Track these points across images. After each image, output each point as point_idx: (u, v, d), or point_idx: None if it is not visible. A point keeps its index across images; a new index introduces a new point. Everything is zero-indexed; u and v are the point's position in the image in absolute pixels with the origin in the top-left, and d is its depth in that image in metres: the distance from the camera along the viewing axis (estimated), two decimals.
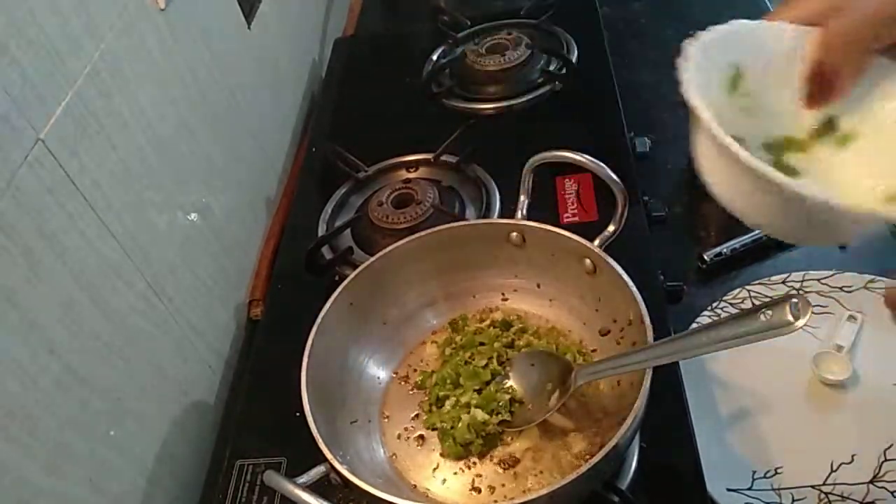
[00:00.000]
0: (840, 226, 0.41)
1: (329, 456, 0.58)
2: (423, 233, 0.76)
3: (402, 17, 1.55)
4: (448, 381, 0.71)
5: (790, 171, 0.47)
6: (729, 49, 0.49)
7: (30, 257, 0.58)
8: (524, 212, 0.74)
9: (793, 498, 0.70)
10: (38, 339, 0.59)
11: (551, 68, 1.14)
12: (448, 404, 0.69)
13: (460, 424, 0.67)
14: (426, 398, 0.72)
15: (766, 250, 0.86)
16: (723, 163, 0.43)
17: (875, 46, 0.47)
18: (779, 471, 0.71)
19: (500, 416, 0.67)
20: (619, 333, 0.69)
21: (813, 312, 0.74)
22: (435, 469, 0.68)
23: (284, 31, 1.25)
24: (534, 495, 0.53)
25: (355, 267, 0.74)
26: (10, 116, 0.58)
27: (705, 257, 0.85)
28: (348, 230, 0.95)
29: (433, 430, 0.70)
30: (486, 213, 0.93)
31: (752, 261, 0.85)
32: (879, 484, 0.69)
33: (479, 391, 0.69)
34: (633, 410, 0.56)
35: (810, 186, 0.38)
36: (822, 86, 0.49)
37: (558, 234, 0.71)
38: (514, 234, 0.74)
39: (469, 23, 1.29)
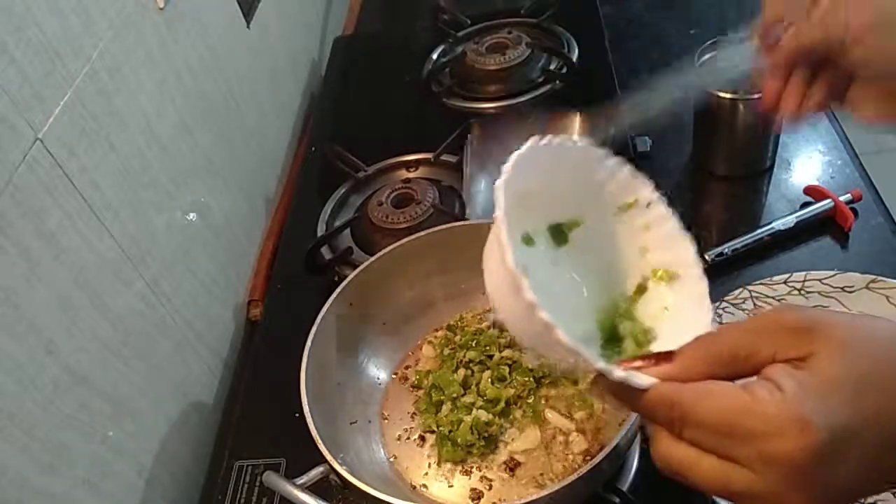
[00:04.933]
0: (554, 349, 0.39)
1: (328, 457, 0.58)
2: (422, 233, 0.75)
3: (401, 16, 1.55)
4: (444, 384, 0.70)
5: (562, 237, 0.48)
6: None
7: (28, 257, 0.58)
8: None
9: None
10: (37, 339, 0.59)
11: (552, 67, 1.14)
12: (445, 408, 0.69)
13: (462, 427, 0.66)
14: (418, 399, 0.72)
15: (768, 250, 0.85)
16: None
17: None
18: None
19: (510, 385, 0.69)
20: None
21: None
22: (435, 470, 0.68)
23: (284, 30, 1.24)
24: (534, 496, 0.53)
25: (355, 267, 0.74)
26: (9, 116, 0.58)
27: (706, 257, 0.84)
28: (348, 230, 0.95)
29: (430, 432, 0.70)
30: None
31: (753, 261, 0.85)
32: None
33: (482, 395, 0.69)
34: None
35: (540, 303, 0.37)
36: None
37: None
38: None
39: (469, 21, 1.29)
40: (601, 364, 0.37)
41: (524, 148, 0.42)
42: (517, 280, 0.37)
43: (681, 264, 0.46)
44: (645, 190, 0.46)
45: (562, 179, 0.45)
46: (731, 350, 0.35)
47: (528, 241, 0.45)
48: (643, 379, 0.37)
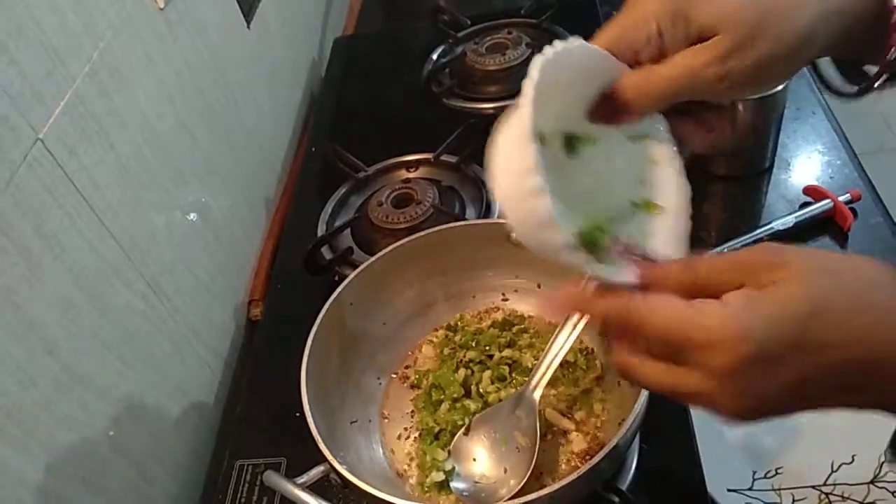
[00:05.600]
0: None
1: (329, 456, 0.58)
2: (422, 233, 0.76)
3: (401, 17, 1.55)
4: (445, 384, 0.70)
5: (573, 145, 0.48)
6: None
7: (28, 257, 0.58)
8: None
9: (793, 498, 0.69)
10: (37, 339, 0.59)
11: None
12: (444, 407, 0.69)
13: (429, 446, 0.66)
14: (417, 397, 0.73)
15: None
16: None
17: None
18: (779, 471, 0.71)
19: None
20: None
21: None
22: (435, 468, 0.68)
23: (284, 31, 1.24)
24: (534, 495, 0.53)
25: (355, 267, 0.74)
26: (9, 116, 0.58)
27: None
28: (348, 230, 0.95)
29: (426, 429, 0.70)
30: (486, 213, 0.93)
31: None
32: (880, 484, 0.69)
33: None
34: (634, 411, 0.56)
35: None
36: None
37: None
38: (514, 233, 0.73)
39: (469, 22, 1.29)
40: (571, 239, 0.40)
41: (571, 40, 0.42)
42: (526, 140, 0.38)
43: (671, 201, 0.48)
44: (662, 129, 0.48)
45: (591, 90, 0.46)
46: (707, 273, 0.39)
47: (541, 138, 0.44)
48: (620, 276, 0.40)
